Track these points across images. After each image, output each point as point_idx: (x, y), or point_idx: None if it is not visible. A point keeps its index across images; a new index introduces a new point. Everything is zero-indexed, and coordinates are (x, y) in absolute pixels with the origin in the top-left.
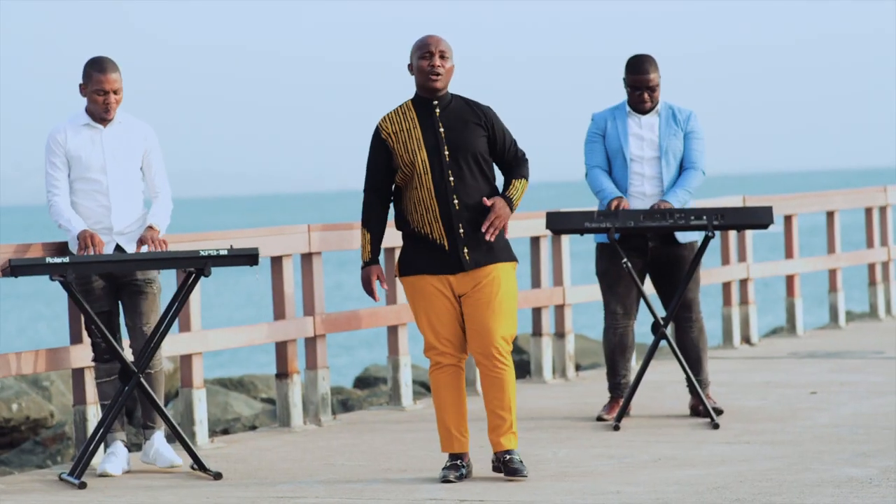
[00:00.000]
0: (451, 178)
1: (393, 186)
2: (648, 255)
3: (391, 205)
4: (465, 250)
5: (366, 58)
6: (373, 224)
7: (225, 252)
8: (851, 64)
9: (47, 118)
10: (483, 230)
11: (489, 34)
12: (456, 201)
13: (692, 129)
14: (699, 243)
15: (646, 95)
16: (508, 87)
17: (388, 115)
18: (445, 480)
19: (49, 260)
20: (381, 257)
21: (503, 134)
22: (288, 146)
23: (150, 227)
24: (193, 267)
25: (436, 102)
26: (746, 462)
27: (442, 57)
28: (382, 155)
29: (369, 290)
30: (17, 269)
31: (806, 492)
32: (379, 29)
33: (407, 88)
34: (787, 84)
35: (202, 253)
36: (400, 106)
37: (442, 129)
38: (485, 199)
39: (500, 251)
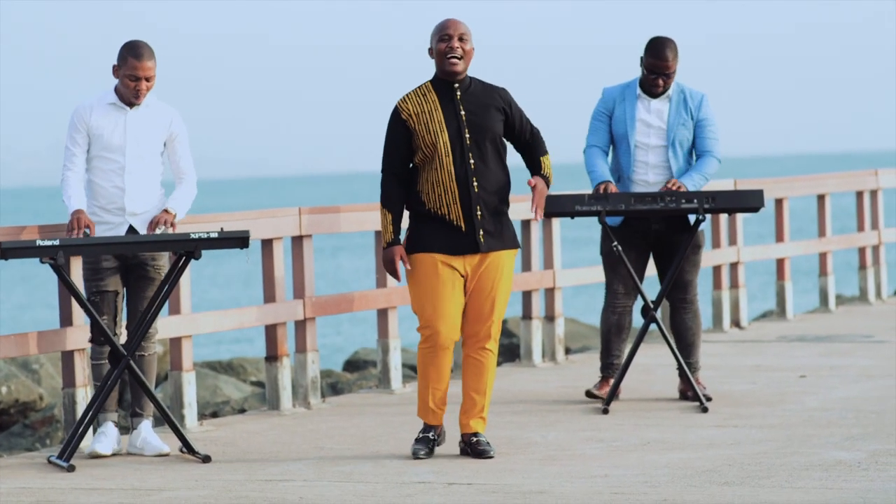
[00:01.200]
0: (472, 161)
1: (410, 166)
2: (652, 237)
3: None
4: (481, 233)
5: (356, 43)
6: (393, 204)
7: (215, 235)
8: (843, 49)
9: (41, 102)
10: (532, 211)
11: (485, 22)
12: (476, 184)
13: (704, 117)
14: (701, 228)
15: (660, 80)
16: (507, 69)
17: (407, 95)
18: (416, 456)
19: (39, 242)
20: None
21: (520, 115)
22: (278, 130)
23: (166, 211)
24: (184, 249)
25: (456, 85)
26: (735, 445)
27: (461, 40)
28: (402, 135)
29: (393, 270)
30: (6, 251)
31: (794, 475)
32: (370, 15)
33: (401, 72)
34: (779, 68)
35: (193, 235)
36: (420, 87)
37: (463, 112)
38: (529, 180)
39: (509, 237)
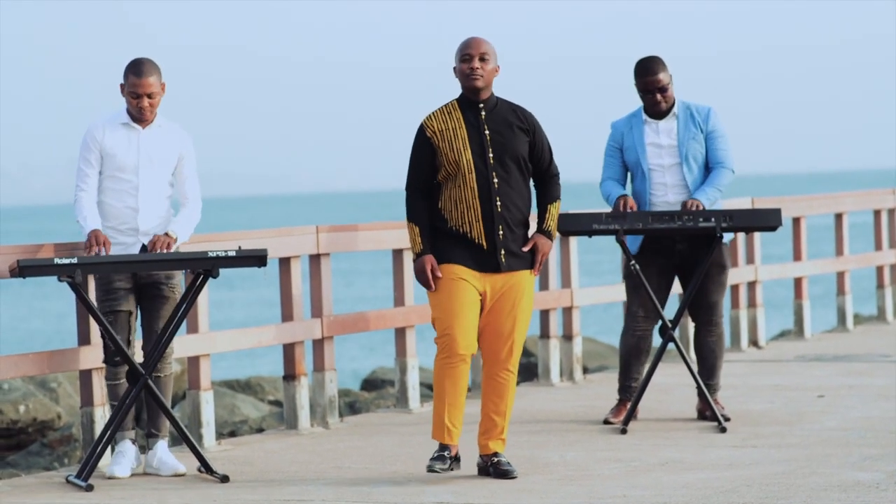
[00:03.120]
0: (496, 180)
1: (434, 182)
2: (676, 257)
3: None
4: (503, 252)
5: (372, 59)
6: (420, 218)
7: (233, 253)
8: (861, 65)
9: (52, 118)
10: (534, 272)
11: (498, 35)
12: (498, 203)
13: (713, 128)
14: (726, 244)
15: (658, 97)
16: (523, 87)
17: (432, 113)
18: (431, 471)
19: (57, 260)
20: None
21: (542, 143)
22: (295, 147)
23: (167, 234)
24: (202, 268)
25: (481, 105)
26: (754, 466)
27: (482, 59)
28: (426, 152)
29: (425, 280)
30: (25, 269)
31: (813, 496)
32: (387, 31)
33: (422, 91)
34: (797, 85)
35: (210, 254)
36: (445, 105)
37: (487, 132)
38: (524, 248)
39: (529, 257)
